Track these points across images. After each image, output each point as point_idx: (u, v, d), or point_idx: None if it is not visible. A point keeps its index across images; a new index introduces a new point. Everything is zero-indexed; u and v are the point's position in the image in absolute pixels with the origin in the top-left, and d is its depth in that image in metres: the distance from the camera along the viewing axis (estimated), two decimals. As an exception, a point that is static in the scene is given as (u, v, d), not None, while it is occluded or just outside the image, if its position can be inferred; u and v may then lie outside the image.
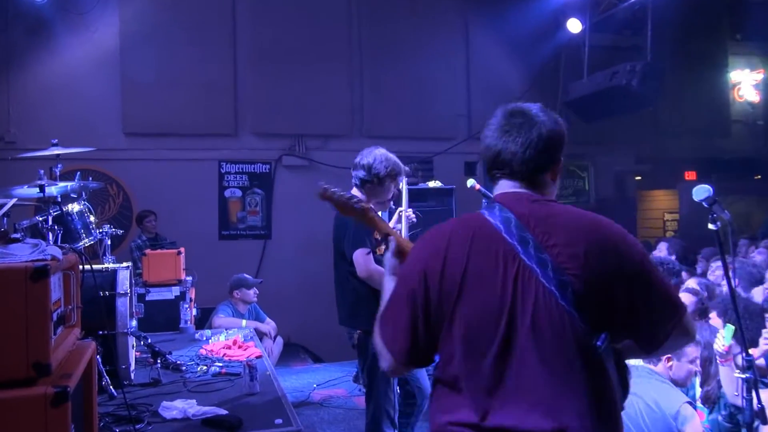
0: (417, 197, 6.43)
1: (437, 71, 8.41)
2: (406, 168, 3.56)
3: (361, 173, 3.41)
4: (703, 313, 3.90)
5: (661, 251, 5.46)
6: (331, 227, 3.52)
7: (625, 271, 1.40)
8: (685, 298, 3.85)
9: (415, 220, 4.23)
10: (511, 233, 1.43)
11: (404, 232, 3.73)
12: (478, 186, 4.51)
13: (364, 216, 1.94)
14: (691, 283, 4.08)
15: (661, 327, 1.43)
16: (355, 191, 3.54)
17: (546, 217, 1.45)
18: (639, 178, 10.71)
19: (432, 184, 6.90)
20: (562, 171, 1.56)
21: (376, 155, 3.42)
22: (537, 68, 8.48)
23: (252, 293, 5.66)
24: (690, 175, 10.02)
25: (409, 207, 5.02)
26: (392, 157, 3.46)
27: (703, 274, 4.78)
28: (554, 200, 1.53)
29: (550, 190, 1.56)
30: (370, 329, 3.42)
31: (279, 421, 2.68)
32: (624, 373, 1.50)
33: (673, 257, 5.17)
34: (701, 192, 2.35)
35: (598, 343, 1.36)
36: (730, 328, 2.93)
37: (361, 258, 3.23)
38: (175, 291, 4.79)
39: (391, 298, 1.53)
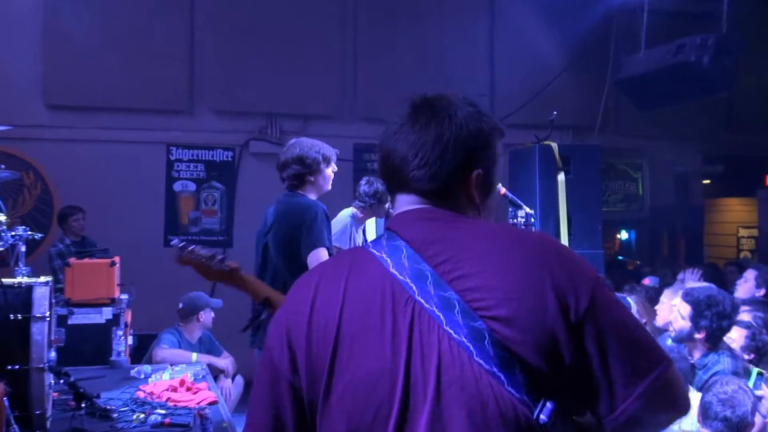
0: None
1: (453, 41, 8.43)
2: (336, 150, 3.94)
3: (294, 168, 3.75)
4: (759, 351, 3.93)
5: (748, 281, 5.36)
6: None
7: (571, 304, 1.23)
8: (736, 333, 3.88)
9: None
10: (402, 267, 1.29)
11: None
12: (503, 190, 4.54)
13: (233, 278, 1.97)
14: (745, 316, 4.13)
15: (628, 385, 1.24)
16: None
17: (449, 239, 1.31)
18: (707, 182, 10.75)
19: (442, 183, 6.90)
20: (488, 189, 1.42)
21: (299, 144, 3.82)
22: (581, 38, 8.49)
23: (212, 316, 5.68)
24: (772, 180, 10.07)
25: None
26: (314, 140, 3.91)
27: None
28: (465, 217, 1.38)
29: (470, 214, 1.40)
30: None
31: (238, 489, 2.68)
32: None
33: (762, 292, 5.13)
34: None
35: (542, 417, 1.19)
36: (755, 370, 2.99)
37: (317, 257, 3.49)
38: (107, 313, 4.78)
39: (254, 383, 1.39)
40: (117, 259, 5.04)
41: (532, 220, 5.12)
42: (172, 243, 2.11)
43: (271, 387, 1.33)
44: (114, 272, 4.88)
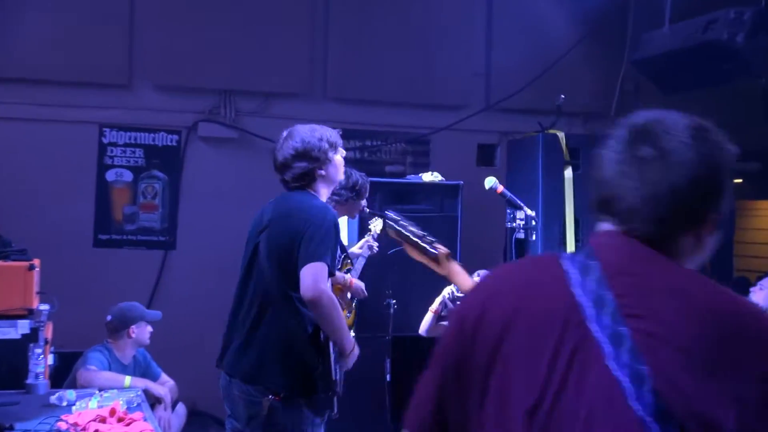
0: (404, 197, 6.47)
1: (442, 10, 8.43)
2: (338, 130, 3.98)
3: (300, 167, 3.74)
4: None
5: (764, 289, 5.44)
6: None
7: (749, 382, 1.35)
8: None
9: (375, 249, 4.59)
10: (585, 288, 1.46)
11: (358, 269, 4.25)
12: (501, 188, 4.57)
13: (439, 265, 2.43)
14: None
15: None
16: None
17: (644, 275, 1.46)
18: (739, 181, 10.84)
19: (427, 177, 6.92)
20: (716, 227, 1.55)
21: (296, 134, 3.82)
22: (594, 9, 8.53)
23: (149, 331, 5.65)
24: (816, 180, 10.17)
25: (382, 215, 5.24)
26: (311, 125, 3.93)
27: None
28: (674, 264, 1.51)
29: (689, 258, 1.55)
30: (293, 393, 3.75)
31: None
32: None
33: None
34: None
35: None
36: None
37: (314, 271, 3.47)
38: (23, 327, 4.74)
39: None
40: (37, 261, 5.00)
41: (534, 223, 5.16)
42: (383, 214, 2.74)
43: (440, 367, 1.61)
44: (32, 277, 4.84)
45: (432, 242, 2.46)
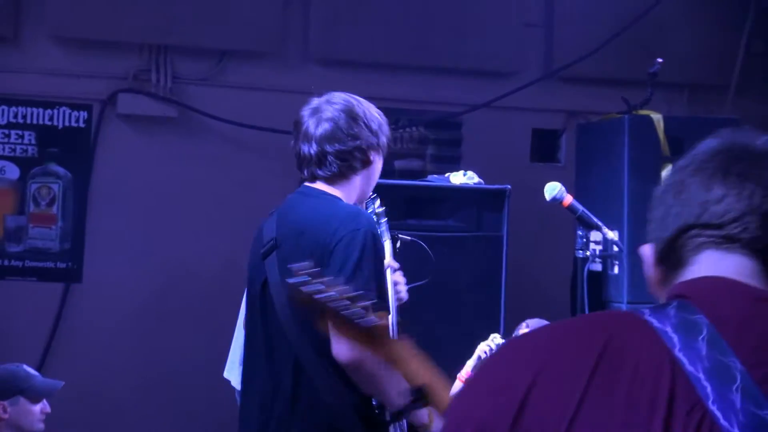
0: (422, 208, 6.44)
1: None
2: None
3: (348, 143, 3.67)
4: None
5: None
6: (241, 252, 3.79)
7: None
8: None
9: (404, 296, 4.53)
10: (695, 354, 1.44)
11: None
12: (569, 198, 4.50)
13: (373, 342, 2.25)
14: None
15: None
16: (321, 185, 3.76)
17: None
18: None
19: (458, 178, 6.88)
20: None
21: (343, 100, 3.89)
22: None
23: (38, 411, 5.58)
24: None
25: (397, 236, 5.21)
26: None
27: None
28: None
29: None
30: None
31: None
32: None
33: None
34: None
35: None
36: None
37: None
38: None
39: None
40: None
41: (616, 249, 5.09)
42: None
43: None
44: None
45: (365, 310, 2.17)
